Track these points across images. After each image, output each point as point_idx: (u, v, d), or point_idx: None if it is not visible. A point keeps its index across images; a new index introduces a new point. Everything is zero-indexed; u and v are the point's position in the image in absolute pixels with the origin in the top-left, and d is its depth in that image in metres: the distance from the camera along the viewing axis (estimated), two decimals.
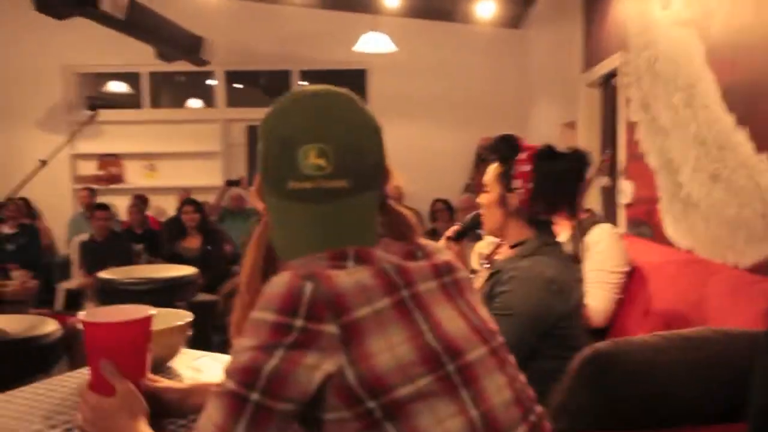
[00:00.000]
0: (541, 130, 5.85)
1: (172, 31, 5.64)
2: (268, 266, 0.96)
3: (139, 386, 1.09)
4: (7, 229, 5.90)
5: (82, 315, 1.10)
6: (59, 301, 5.68)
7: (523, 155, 1.77)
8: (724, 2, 2.25)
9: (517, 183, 1.76)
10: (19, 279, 3.75)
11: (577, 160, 1.83)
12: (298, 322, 0.82)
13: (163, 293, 2.89)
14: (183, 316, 1.51)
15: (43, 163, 2.66)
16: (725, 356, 1.37)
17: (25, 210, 6.52)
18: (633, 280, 2.46)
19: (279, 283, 0.84)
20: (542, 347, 1.70)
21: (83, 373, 1.48)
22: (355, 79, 7.34)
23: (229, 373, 0.84)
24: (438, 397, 0.85)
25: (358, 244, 0.90)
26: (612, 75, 3.74)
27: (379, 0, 5.96)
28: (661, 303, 2.19)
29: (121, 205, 6.74)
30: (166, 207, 7.03)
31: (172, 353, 1.48)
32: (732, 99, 2.25)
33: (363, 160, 0.92)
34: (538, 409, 0.98)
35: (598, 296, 2.41)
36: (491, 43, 6.83)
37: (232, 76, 7.42)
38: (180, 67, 6.73)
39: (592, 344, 1.43)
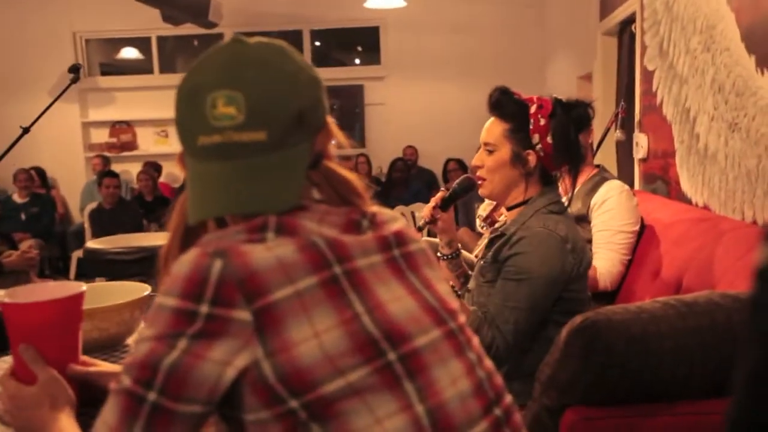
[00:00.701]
0: (558, 84, 5.61)
1: None
2: (190, 240, 0.82)
3: (69, 371, 0.98)
4: (18, 199, 5.90)
5: (1, 295, 0.96)
6: (72, 270, 5.70)
7: (533, 109, 1.62)
8: None
9: (535, 138, 1.61)
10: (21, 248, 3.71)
11: (585, 108, 1.69)
12: (204, 308, 0.69)
13: (151, 262, 2.80)
14: (141, 289, 1.41)
15: (26, 130, 2.57)
16: (731, 323, 1.22)
17: (39, 180, 6.52)
18: (643, 240, 2.30)
19: (183, 262, 0.72)
20: (552, 313, 1.59)
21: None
22: (368, 36, 7.14)
23: (126, 367, 0.72)
24: (375, 392, 0.72)
25: (278, 209, 0.76)
26: (629, 21, 3.51)
27: None
28: (671, 265, 2.03)
29: (134, 172, 6.69)
30: (178, 174, 6.97)
31: (130, 330, 1.38)
32: (752, 40, 2.05)
33: (283, 109, 0.77)
34: (506, 399, 0.84)
35: (604, 257, 2.27)
36: None
37: None
38: (188, 30, 6.58)
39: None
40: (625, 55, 3.61)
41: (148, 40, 7.18)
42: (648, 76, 3.08)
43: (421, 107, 6.90)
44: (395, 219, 0.88)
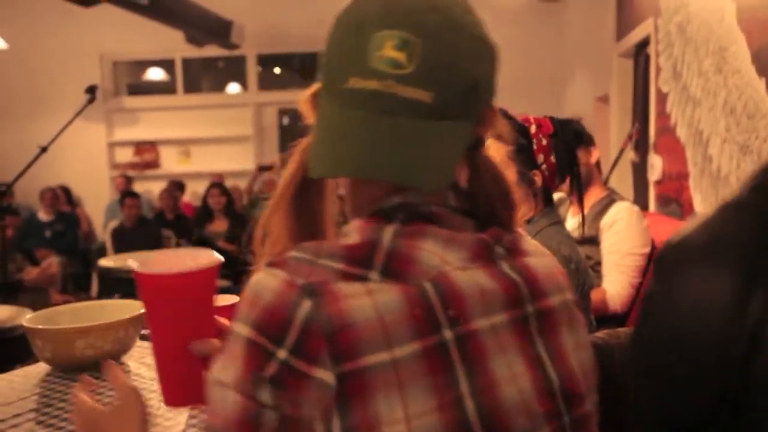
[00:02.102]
0: (576, 105, 5.59)
1: (199, 15, 5.60)
2: (303, 203, 0.71)
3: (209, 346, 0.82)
4: (44, 216, 6.01)
5: (134, 264, 0.83)
6: (94, 288, 5.77)
7: (533, 129, 1.62)
8: None
9: (540, 158, 1.62)
10: (42, 266, 3.78)
11: (578, 123, 1.71)
12: (281, 354, 0.57)
13: None
14: (135, 307, 1.42)
15: (43, 149, 2.63)
16: None
17: (65, 198, 6.65)
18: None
19: (265, 286, 0.59)
20: None
21: (29, 370, 1.41)
22: None
23: (221, 427, 0.61)
24: None
25: (424, 185, 0.61)
26: (645, 43, 3.49)
27: None
28: None
29: (156, 191, 6.78)
30: (201, 191, 7.06)
31: (125, 348, 1.39)
32: (763, 62, 2.03)
33: (460, 72, 0.63)
34: None
35: (614, 280, 2.24)
36: (526, 16, 6.55)
37: (264, 60, 7.36)
38: (211, 51, 6.70)
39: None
40: (640, 76, 3.59)
41: (172, 61, 7.32)
42: (662, 97, 3.05)
43: None
44: (540, 253, 0.71)
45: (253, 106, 7.21)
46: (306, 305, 0.57)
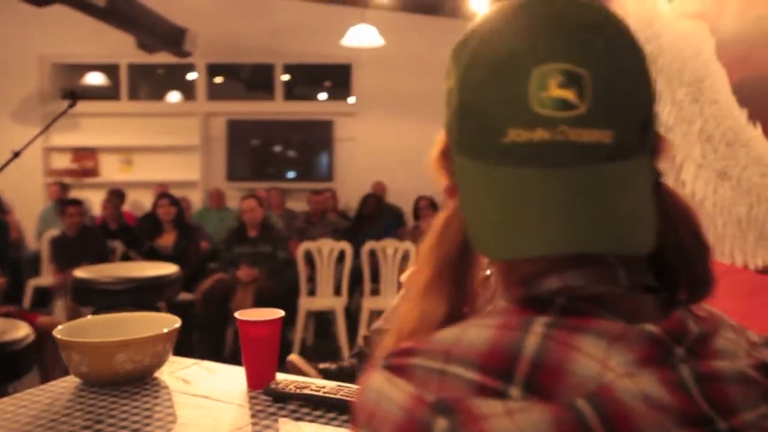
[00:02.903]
0: None
1: (155, 21, 5.47)
2: (459, 277, 0.59)
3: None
4: None
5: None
6: (27, 299, 5.49)
7: None
8: None
9: None
10: None
11: None
12: None
13: (144, 293, 2.73)
14: (170, 321, 1.37)
15: (16, 154, 2.50)
16: None
17: None
18: None
19: (391, 398, 0.49)
20: None
21: (57, 385, 1.34)
22: (340, 73, 7.21)
23: None
24: None
25: (631, 250, 0.50)
26: None
27: None
28: None
29: (94, 200, 6.53)
30: (143, 201, 6.84)
31: (160, 362, 1.35)
32: (745, 94, 2.16)
33: (636, 101, 0.54)
34: None
35: None
36: None
37: (212, 69, 7.23)
38: (160, 59, 6.54)
39: None
40: None
41: (117, 66, 7.09)
42: None
43: (391, 144, 6.97)
44: (735, 352, 0.53)
45: (201, 116, 7.06)
46: (441, 426, 0.47)
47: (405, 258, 5.04)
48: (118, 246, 5.34)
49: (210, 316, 4.55)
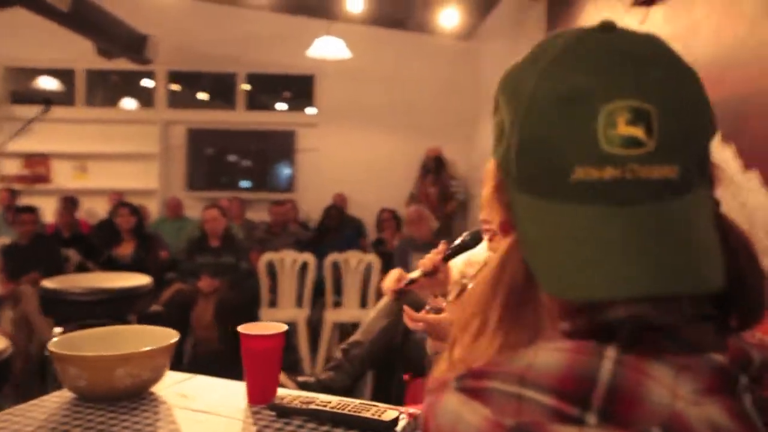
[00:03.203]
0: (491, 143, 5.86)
1: (117, 28, 5.35)
2: (527, 311, 0.59)
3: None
4: None
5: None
6: None
7: None
8: (712, 18, 2.25)
9: None
10: None
11: None
12: None
13: (117, 305, 2.65)
14: (166, 335, 1.34)
15: None
16: None
17: None
18: None
19: (468, 422, 0.50)
20: None
21: (50, 401, 1.28)
22: (302, 84, 7.19)
23: None
24: None
25: (704, 288, 0.49)
26: None
27: (335, 6, 5.84)
28: None
29: (46, 207, 6.31)
30: (97, 209, 6.65)
31: (158, 377, 1.31)
32: (718, 115, 2.25)
33: (699, 133, 0.54)
34: None
35: None
36: (444, 53, 6.82)
37: (172, 77, 7.11)
38: (120, 65, 6.39)
39: None
40: None
41: (72, 71, 6.90)
42: None
43: (352, 156, 6.98)
44: None
45: (161, 124, 6.93)
46: None
47: (368, 270, 5.04)
48: (72, 255, 5.17)
49: (171, 327, 4.43)
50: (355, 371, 2.33)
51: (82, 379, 1.21)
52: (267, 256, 4.92)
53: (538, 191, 0.54)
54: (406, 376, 2.52)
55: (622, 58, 0.53)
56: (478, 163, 6.48)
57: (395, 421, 1.19)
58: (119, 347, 1.29)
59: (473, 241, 1.89)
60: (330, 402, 1.24)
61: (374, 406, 1.23)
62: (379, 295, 5.18)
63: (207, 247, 4.85)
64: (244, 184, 7.16)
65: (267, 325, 1.31)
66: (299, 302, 4.98)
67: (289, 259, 4.95)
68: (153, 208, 6.60)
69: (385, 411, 1.20)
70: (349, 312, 4.97)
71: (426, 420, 0.53)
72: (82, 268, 5.09)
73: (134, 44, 5.78)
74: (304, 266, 4.96)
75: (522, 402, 0.49)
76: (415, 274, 1.88)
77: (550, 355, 0.51)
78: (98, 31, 5.16)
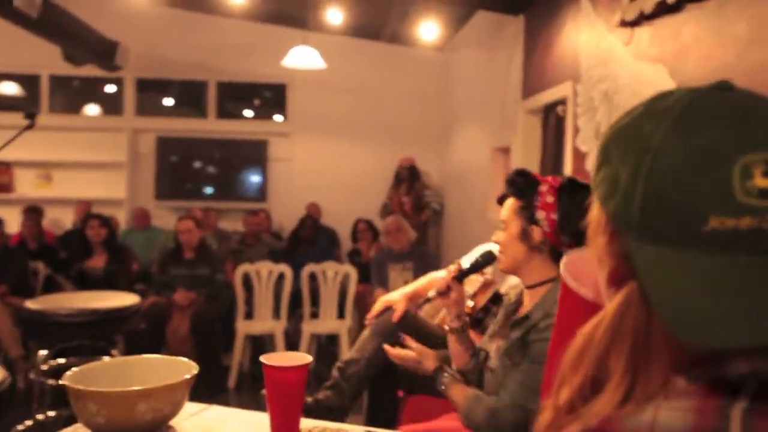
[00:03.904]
0: (467, 154, 5.90)
1: (87, 34, 5.22)
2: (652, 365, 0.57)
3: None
4: None
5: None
6: None
7: (544, 187, 1.71)
8: (701, 42, 2.30)
9: (540, 215, 1.69)
10: None
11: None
12: None
13: (104, 325, 2.57)
14: (188, 367, 1.30)
15: None
16: None
17: None
18: None
19: None
20: None
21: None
22: (274, 93, 7.14)
23: None
24: None
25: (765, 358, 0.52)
26: (555, 104, 3.80)
27: (314, 17, 5.81)
28: None
29: (9, 217, 6.11)
30: (63, 220, 6.48)
31: (177, 411, 1.27)
32: None
33: None
34: None
35: None
36: (417, 64, 6.85)
37: (141, 84, 6.98)
38: (87, 71, 6.24)
39: None
40: (551, 134, 3.89)
41: (37, 77, 6.72)
42: (580, 155, 3.33)
43: (325, 166, 6.95)
44: None
45: (129, 132, 6.78)
46: None
47: (345, 281, 5.02)
48: (41, 268, 5.02)
49: (147, 341, 4.34)
50: (353, 390, 2.31)
51: (101, 416, 1.17)
52: (243, 268, 4.86)
53: (667, 241, 0.54)
54: (399, 393, 2.51)
55: (749, 114, 0.56)
56: (452, 173, 6.52)
57: None
58: (134, 380, 1.25)
59: (485, 262, 1.90)
60: None
61: None
62: (357, 306, 5.17)
63: (181, 259, 4.77)
64: (214, 192, 7.05)
65: (289, 355, 1.29)
66: (276, 314, 4.93)
67: (265, 271, 4.90)
68: (121, 218, 6.46)
69: None
70: (326, 323, 4.94)
71: None
72: (51, 282, 4.95)
73: (104, 51, 5.65)
74: (279, 277, 4.91)
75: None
76: (430, 294, 1.90)
77: (673, 415, 0.51)
78: (68, 37, 5.02)
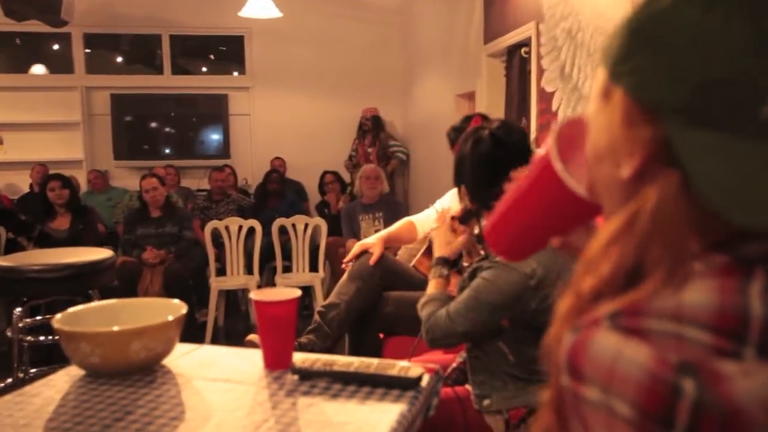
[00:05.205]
0: (430, 101, 5.88)
1: None
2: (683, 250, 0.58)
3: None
4: None
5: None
6: None
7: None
8: None
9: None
10: None
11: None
12: None
13: (80, 280, 2.52)
14: (176, 307, 1.30)
15: None
16: None
17: None
18: None
19: (632, 360, 0.51)
20: (511, 331, 1.64)
21: (60, 379, 1.24)
22: (232, 45, 6.98)
23: None
24: None
25: None
26: (518, 46, 3.80)
27: None
28: None
29: None
30: (19, 183, 6.31)
31: (169, 349, 1.28)
32: None
33: None
34: None
35: None
36: (376, 12, 6.75)
37: (89, 40, 6.73)
38: (31, 27, 5.99)
39: None
40: (515, 76, 3.90)
41: None
42: (546, 96, 3.36)
43: (288, 119, 6.87)
44: None
45: (81, 90, 6.57)
46: (689, 386, 0.48)
47: (315, 233, 5.02)
48: (1, 231, 4.90)
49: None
50: (334, 333, 2.34)
51: (96, 356, 1.17)
52: (213, 224, 4.81)
53: (719, 126, 0.54)
54: (380, 335, 2.55)
55: None
56: (416, 122, 6.51)
57: (420, 377, 1.21)
58: (122, 322, 1.25)
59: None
60: (352, 363, 1.25)
61: (396, 363, 1.24)
62: (328, 258, 5.18)
63: (148, 218, 4.70)
64: (175, 150, 6.91)
65: (280, 291, 1.30)
66: (248, 269, 4.91)
67: (234, 226, 4.86)
68: (82, 179, 6.30)
69: (410, 368, 1.22)
70: (300, 276, 4.95)
71: (575, 358, 0.54)
72: (12, 246, 4.84)
73: (48, 5, 5.41)
74: (249, 233, 4.88)
75: (682, 340, 0.50)
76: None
77: (697, 294, 0.53)
78: None
